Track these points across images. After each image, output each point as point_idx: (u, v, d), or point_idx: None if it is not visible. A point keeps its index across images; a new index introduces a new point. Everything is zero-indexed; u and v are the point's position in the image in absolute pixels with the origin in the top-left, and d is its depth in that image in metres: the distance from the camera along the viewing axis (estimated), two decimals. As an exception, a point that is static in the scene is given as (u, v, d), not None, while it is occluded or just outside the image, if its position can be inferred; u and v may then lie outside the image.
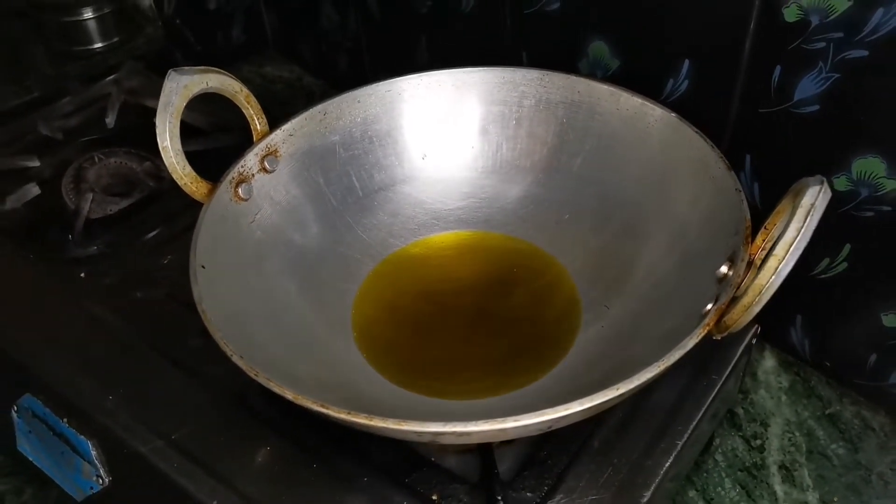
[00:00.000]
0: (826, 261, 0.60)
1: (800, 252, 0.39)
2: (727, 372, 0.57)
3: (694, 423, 0.54)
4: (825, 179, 0.40)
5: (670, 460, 0.51)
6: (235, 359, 0.43)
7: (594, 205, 0.61)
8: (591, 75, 0.65)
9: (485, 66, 0.63)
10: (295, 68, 1.03)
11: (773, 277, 0.39)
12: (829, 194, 0.40)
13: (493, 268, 0.62)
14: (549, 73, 0.62)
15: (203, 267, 0.49)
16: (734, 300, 0.43)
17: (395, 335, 0.57)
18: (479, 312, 0.59)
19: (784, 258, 0.39)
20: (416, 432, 0.39)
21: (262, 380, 0.42)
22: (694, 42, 0.59)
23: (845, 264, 0.59)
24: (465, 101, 0.64)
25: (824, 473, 0.61)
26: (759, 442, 0.64)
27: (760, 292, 0.40)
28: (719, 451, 0.63)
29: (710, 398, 0.55)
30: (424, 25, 0.79)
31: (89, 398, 0.55)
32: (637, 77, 0.63)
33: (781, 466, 0.62)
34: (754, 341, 0.59)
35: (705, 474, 0.62)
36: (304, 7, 0.94)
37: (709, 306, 0.45)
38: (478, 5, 0.72)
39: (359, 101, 0.62)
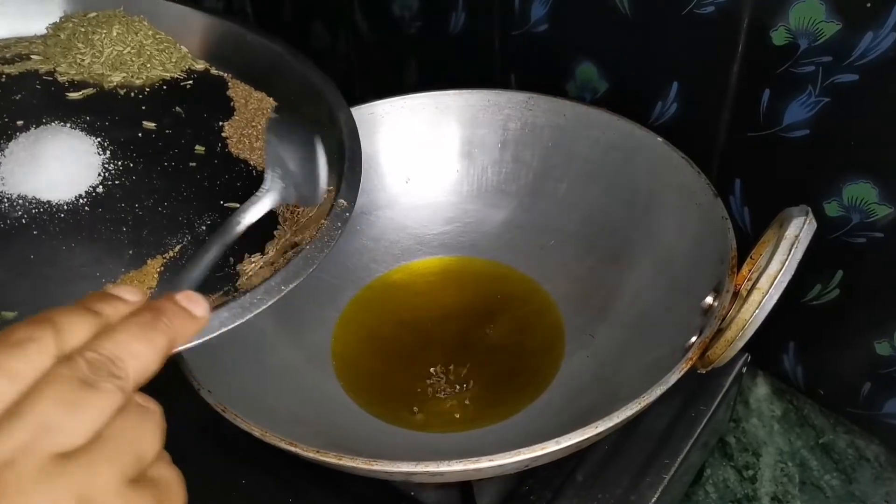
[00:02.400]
0: (818, 287, 0.58)
1: (784, 285, 0.38)
2: (717, 402, 0.56)
3: (682, 455, 0.53)
4: (809, 210, 0.39)
5: (657, 494, 0.50)
6: (203, 393, 0.42)
7: (579, 231, 0.60)
8: (578, 98, 0.64)
9: (469, 89, 0.62)
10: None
11: (757, 311, 0.38)
12: (814, 225, 0.39)
13: (476, 294, 0.61)
14: (535, 95, 0.61)
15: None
16: (718, 333, 0.42)
17: (376, 365, 0.56)
18: (462, 341, 0.58)
19: (768, 291, 0.38)
20: (387, 472, 0.38)
21: (229, 416, 0.40)
22: (682, 65, 0.58)
23: (837, 291, 0.58)
24: (449, 123, 0.63)
25: (817, 505, 0.60)
26: (750, 472, 0.62)
27: (744, 326, 0.39)
28: (710, 481, 0.62)
29: (699, 429, 0.54)
30: (413, 47, 0.78)
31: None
32: (625, 100, 0.62)
33: (774, 498, 0.61)
34: (744, 370, 0.58)
35: (696, 506, 0.61)
36: (295, 27, 0.94)
37: (693, 339, 0.43)
38: (466, 27, 0.71)
39: (341, 124, 0.61)
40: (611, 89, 0.63)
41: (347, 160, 0.48)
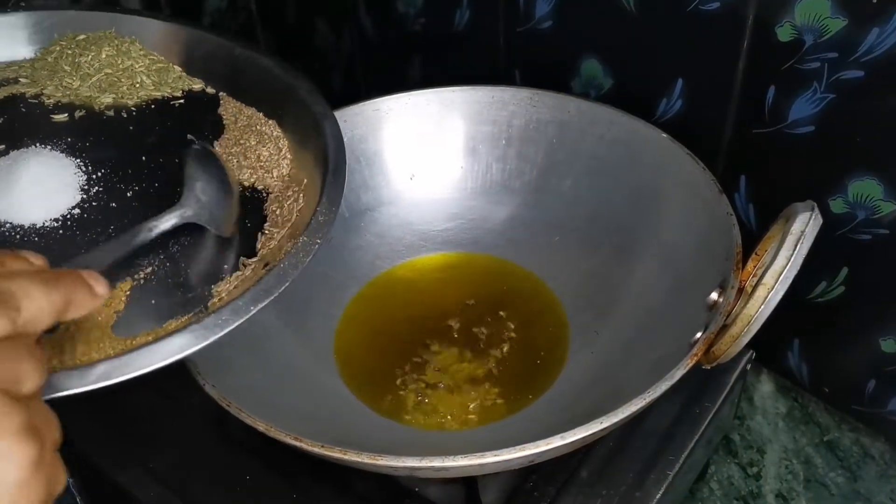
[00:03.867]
0: (823, 284, 0.58)
1: (790, 280, 0.38)
2: (721, 399, 0.56)
3: (686, 451, 0.52)
4: (815, 205, 0.39)
5: (661, 491, 0.50)
6: (208, 388, 0.42)
7: (584, 227, 0.60)
8: (582, 94, 0.64)
9: (474, 85, 0.62)
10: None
11: (763, 307, 0.38)
12: (819, 220, 0.39)
13: (481, 291, 0.61)
14: (539, 91, 0.61)
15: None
16: (723, 329, 0.42)
17: (380, 362, 0.56)
18: (467, 338, 0.58)
19: (773, 287, 0.38)
20: (391, 467, 0.38)
21: (234, 410, 0.40)
22: (687, 61, 0.58)
23: (842, 288, 0.57)
24: (454, 120, 0.63)
25: (822, 503, 0.59)
26: (755, 469, 0.62)
27: (749, 322, 0.39)
28: (714, 478, 0.62)
29: (704, 426, 0.54)
30: (418, 44, 0.78)
31: (65, 425, 0.54)
32: (630, 96, 0.62)
33: (778, 495, 0.61)
34: (749, 367, 0.58)
35: (700, 503, 0.60)
36: (299, 25, 0.93)
37: (698, 335, 0.43)
38: (471, 24, 0.71)
39: (345, 121, 0.61)
40: (615, 86, 0.63)
41: (330, 173, 0.46)
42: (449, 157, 0.64)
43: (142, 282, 0.43)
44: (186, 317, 0.41)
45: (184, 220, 0.45)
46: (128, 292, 0.42)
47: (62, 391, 0.34)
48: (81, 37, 0.57)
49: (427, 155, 0.64)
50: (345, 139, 0.60)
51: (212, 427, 0.53)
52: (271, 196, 0.49)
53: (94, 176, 0.49)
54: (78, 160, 0.49)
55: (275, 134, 0.52)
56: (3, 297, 0.27)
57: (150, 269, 0.43)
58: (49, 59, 0.56)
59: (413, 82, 0.81)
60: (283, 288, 0.40)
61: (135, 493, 0.50)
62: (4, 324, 0.27)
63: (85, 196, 0.47)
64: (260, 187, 0.50)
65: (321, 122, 0.50)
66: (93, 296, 0.31)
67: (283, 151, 0.51)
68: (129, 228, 0.44)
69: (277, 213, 0.48)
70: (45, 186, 0.47)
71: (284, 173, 0.50)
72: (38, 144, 0.49)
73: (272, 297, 0.39)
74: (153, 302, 0.42)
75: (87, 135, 0.51)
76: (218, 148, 0.52)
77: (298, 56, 0.98)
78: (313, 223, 0.43)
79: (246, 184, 0.50)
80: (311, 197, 0.46)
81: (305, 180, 0.48)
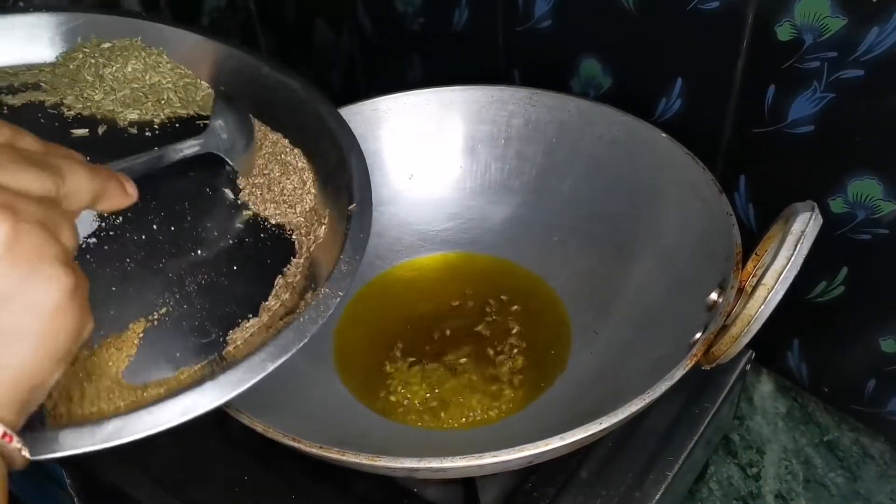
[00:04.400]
0: (823, 284, 0.58)
1: (790, 281, 0.38)
2: (720, 399, 0.55)
3: (686, 452, 0.52)
4: (816, 205, 0.39)
5: (661, 491, 0.50)
6: (206, 389, 0.41)
7: (584, 227, 0.60)
8: (581, 94, 0.64)
9: (473, 85, 0.62)
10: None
11: (763, 307, 0.38)
12: (819, 220, 0.38)
13: (480, 291, 0.60)
14: (538, 91, 0.61)
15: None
16: (723, 329, 0.41)
17: (378, 362, 0.56)
18: (466, 338, 0.57)
19: (773, 287, 0.38)
20: (390, 467, 0.38)
21: (232, 411, 0.40)
22: (686, 61, 0.57)
23: (842, 288, 0.57)
24: (453, 119, 0.63)
25: (822, 503, 0.59)
26: (755, 470, 0.62)
27: (749, 322, 0.39)
28: (714, 479, 0.62)
29: (703, 426, 0.54)
30: (417, 43, 0.78)
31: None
32: (629, 96, 0.62)
33: (778, 496, 0.60)
34: (748, 367, 0.58)
35: (699, 503, 0.60)
36: (299, 25, 0.93)
37: (697, 335, 0.43)
38: (470, 23, 0.71)
39: (344, 121, 0.61)
40: (615, 85, 0.63)
41: (355, 218, 0.44)
42: (448, 156, 0.64)
43: (155, 323, 0.40)
44: (199, 365, 0.39)
45: (204, 150, 0.45)
46: (141, 335, 0.40)
47: (70, 450, 0.34)
48: (106, 45, 0.54)
49: (426, 154, 0.64)
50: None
51: (210, 427, 0.53)
52: (294, 234, 0.47)
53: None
54: None
55: (300, 165, 0.49)
56: (51, 167, 0.31)
57: (164, 310, 0.41)
58: (71, 67, 0.53)
59: (412, 82, 0.81)
60: (301, 344, 0.38)
61: (132, 493, 0.50)
62: (49, 185, 0.30)
63: (102, 223, 0.43)
64: (283, 222, 0.47)
65: (347, 155, 0.48)
66: (125, 195, 0.35)
67: (308, 185, 0.49)
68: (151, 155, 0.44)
69: (299, 253, 0.46)
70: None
71: (307, 208, 0.48)
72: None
73: (289, 355, 0.38)
74: (166, 346, 0.40)
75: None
76: (241, 179, 0.49)
77: (297, 56, 0.98)
78: (336, 273, 0.41)
79: (270, 221, 0.47)
80: (334, 238, 0.44)
81: (327, 218, 0.46)
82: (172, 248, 0.43)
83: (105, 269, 0.41)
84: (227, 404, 0.37)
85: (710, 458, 0.62)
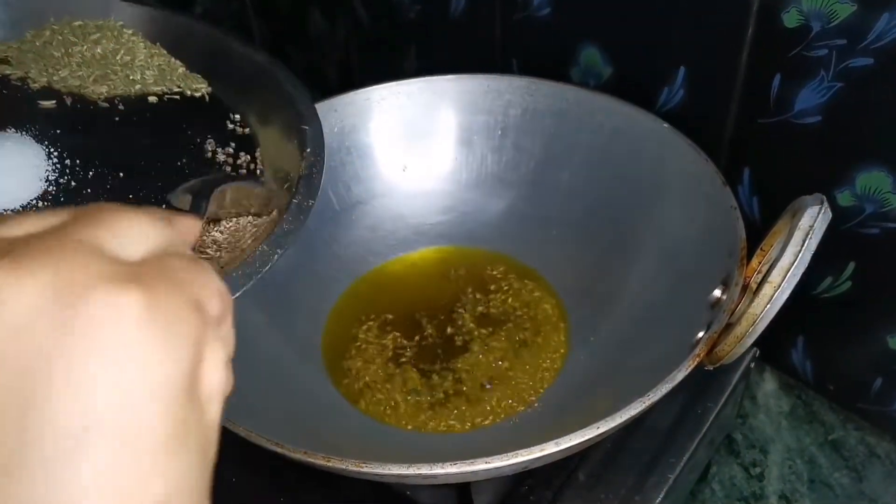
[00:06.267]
0: (829, 280, 0.57)
1: (797, 278, 0.37)
2: (724, 398, 0.54)
3: (688, 454, 0.51)
4: (824, 198, 0.37)
5: (662, 494, 0.49)
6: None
7: (582, 221, 0.59)
8: (581, 84, 0.62)
9: (468, 74, 0.60)
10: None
11: (769, 306, 0.37)
12: (828, 215, 0.37)
13: (476, 287, 0.59)
14: (536, 80, 0.60)
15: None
16: (727, 328, 0.40)
17: (370, 362, 0.55)
18: (461, 336, 0.56)
19: (780, 285, 0.36)
20: (378, 474, 0.36)
21: (214, 414, 0.39)
22: (690, 49, 0.56)
23: (849, 283, 0.56)
24: (448, 110, 0.62)
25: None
26: (758, 470, 0.61)
27: (754, 322, 0.37)
28: (716, 479, 0.60)
29: (706, 426, 0.53)
30: (413, 32, 0.77)
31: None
32: (630, 86, 0.61)
33: (781, 496, 0.59)
34: (752, 365, 0.57)
35: (701, 504, 0.59)
36: (293, 15, 0.92)
37: (700, 334, 0.42)
38: (466, 11, 0.70)
39: (335, 111, 0.59)
40: (615, 75, 0.62)
41: (303, 185, 0.45)
42: (443, 148, 0.63)
43: None
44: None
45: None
46: None
47: None
48: (77, 23, 0.55)
49: (420, 146, 0.62)
50: (335, 129, 0.58)
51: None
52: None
53: (64, 165, 0.47)
54: (51, 149, 0.47)
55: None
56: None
57: None
58: (38, 43, 0.54)
59: (408, 72, 0.80)
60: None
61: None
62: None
63: (50, 186, 0.45)
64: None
65: (306, 125, 0.49)
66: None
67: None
68: None
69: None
70: (10, 173, 0.45)
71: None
72: (10, 129, 0.48)
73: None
74: None
75: (68, 124, 0.49)
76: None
77: (292, 45, 0.97)
78: (278, 231, 0.42)
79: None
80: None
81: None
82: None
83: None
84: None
85: (713, 457, 0.61)
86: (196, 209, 0.41)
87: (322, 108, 0.59)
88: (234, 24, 1.00)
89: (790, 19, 0.49)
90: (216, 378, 0.22)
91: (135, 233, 0.22)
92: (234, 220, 0.46)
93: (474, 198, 0.62)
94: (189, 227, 0.26)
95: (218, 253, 0.44)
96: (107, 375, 0.19)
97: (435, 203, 0.63)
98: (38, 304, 0.18)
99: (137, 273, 0.20)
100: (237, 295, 0.38)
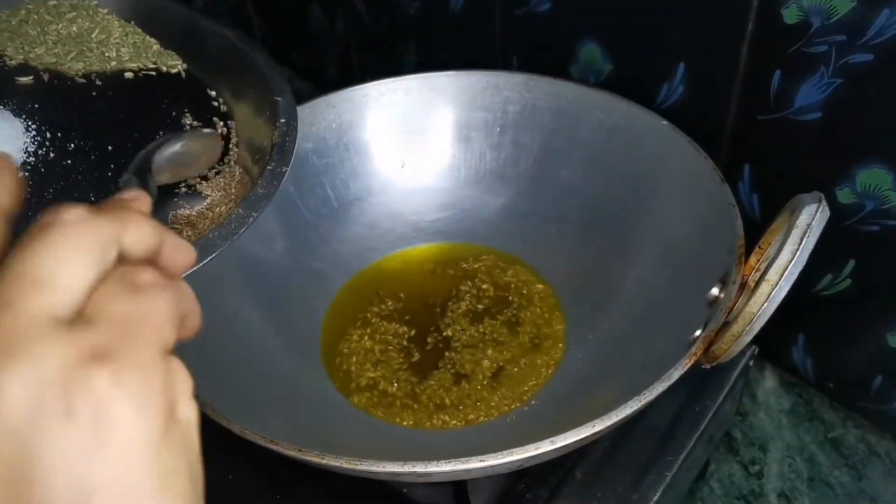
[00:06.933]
0: (829, 277, 0.57)
1: (795, 276, 0.36)
2: (722, 396, 0.54)
3: (685, 452, 0.51)
4: (822, 196, 0.37)
5: (659, 493, 0.49)
6: (182, 387, 0.40)
7: (581, 218, 0.58)
8: (580, 80, 0.62)
9: (467, 70, 0.60)
10: (285, 72, 1.01)
11: (766, 304, 0.36)
12: (827, 213, 0.37)
13: (473, 284, 0.59)
14: (535, 77, 0.59)
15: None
16: (724, 326, 0.40)
17: (366, 358, 0.55)
18: (458, 332, 0.56)
19: (777, 283, 0.36)
20: (372, 472, 0.36)
21: (208, 411, 0.39)
22: (689, 45, 0.56)
23: (849, 281, 0.56)
24: (446, 106, 0.61)
25: (826, 502, 0.58)
26: (757, 468, 0.61)
27: (751, 320, 0.37)
28: (715, 477, 0.60)
29: (704, 425, 0.53)
30: (413, 28, 0.77)
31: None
32: (630, 82, 0.60)
33: (781, 494, 0.59)
34: (752, 363, 0.56)
35: (700, 502, 0.59)
36: (293, 10, 0.92)
37: (697, 332, 0.42)
38: (466, 8, 0.69)
39: (333, 107, 0.59)
40: (615, 71, 0.61)
41: (277, 153, 0.45)
42: (441, 144, 0.62)
43: None
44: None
45: None
46: None
47: None
48: (52, 2, 0.55)
49: (418, 143, 0.62)
50: (333, 126, 0.58)
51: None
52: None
53: (43, 137, 0.47)
54: (29, 122, 0.48)
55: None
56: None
57: None
58: (13, 22, 0.54)
59: (409, 68, 0.79)
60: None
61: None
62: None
63: (28, 156, 0.45)
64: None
65: (278, 97, 0.50)
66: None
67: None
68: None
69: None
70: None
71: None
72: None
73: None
74: None
75: (43, 99, 0.49)
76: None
77: (292, 42, 0.97)
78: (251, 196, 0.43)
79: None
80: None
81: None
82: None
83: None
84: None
85: (712, 455, 0.61)
86: (144, 185, 0.42)
87: (320, 104, 0.59)
88: (233, 20, 1.00)
89: (790, 15, 0.49)
90: (191, 413, 0.23)
91: (68, 279, 0.22)
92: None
93: (472, 195, 0.62)
94: (140, 206, 0.26)
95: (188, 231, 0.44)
96: (93, 453, 0.20)
97: (433, 200, 0.62)
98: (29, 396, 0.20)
99: (92, 342, 0.21)
100: (213, 256, 0.39)
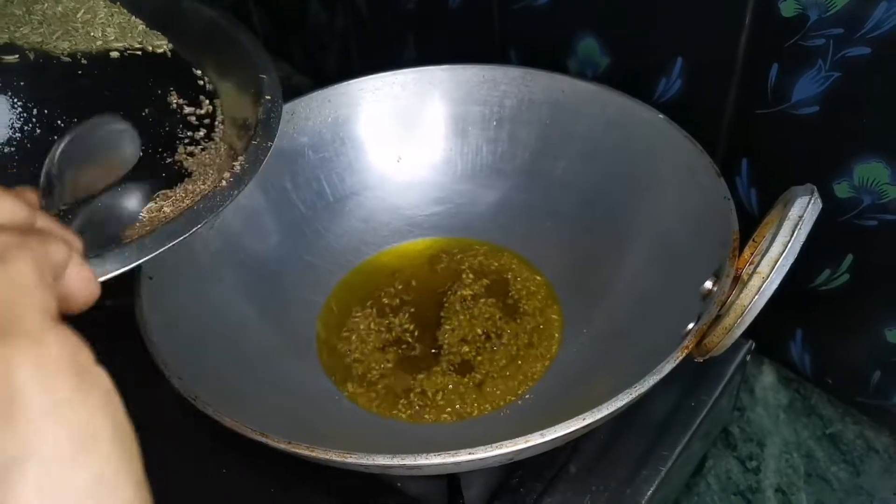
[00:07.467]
0: (827, 272, 0.56)
1: (787, 269, 0.36)
2: (718, 391, 0.54)
3: (681, 446, 0.51)
4: (815, 189, 0.37)
5: (653, 488, 0.48)
6: (174, 381, 0.40)
7: (577, 212, 0.58)
8: (577, 74, 0.62)
9: (463, 64, 0.60)
10: (284, 66, 1.01)
11: (757, 297, 0.36)
12: (819, 205, 0.37)
13: (469, 278, 0.59)
14: (531, 70, 0.59)
15: (151, 278, 0.46)
16: (717, 319, 0.40)
17: (361, 352, 0.55)
18: (454, 327, 0.56)
19: (768, 276, 0.36)
20: (362, 465, 0.36)
21: (199, 404, 0.39)
22: (687, 39, 0.56)
23: (847, 276, 0.56)
24: (443, 100, 0.61)
25: (824, 498, 0.58)
26: (754, 463, 0.60)
27: (742, 313, 0.37)
28: (712, 472, 0.60)
29: (700, 419, 0.52)
30: (412, 22, 0.77)
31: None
32: (628, 76, 0.60)
33: (778, 490, 0.59)
34: (748, 358, 0.56)
35: (696, 497, 0.59)
36: (292, 4, 0.92)
37: (690, 326, 0.41)
38: (465, 1, 0.69)
39: (329, 101, 0.59)
40: (613, 65, 0.61)
41: (261, 129, 0.46)
42: (437, 138, 0.62)
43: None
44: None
45: None
46: None
47: None
48: None
49: (414, 136, 0.62)
50: (329, 120, 0.58)
51: (186, 418, 0.51)
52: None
53: (29, 114, 0.48)
54: (16, 99, 0.48)
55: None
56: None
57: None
58: None
59: (406, 62, 0.79)
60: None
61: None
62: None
63: (13, 132, 0.46)
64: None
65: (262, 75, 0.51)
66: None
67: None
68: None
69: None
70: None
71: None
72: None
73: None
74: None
75: (31, 78, 0.50)
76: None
77: (292, 36, 0.97)
78: (235, 170, 0.44)
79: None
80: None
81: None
82: None
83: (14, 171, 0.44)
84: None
85: (709, 451, 0.61)
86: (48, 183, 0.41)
87: (316, 98, 0.59)
88: (233, 14, 1.00)
89: (787, 8, 0.49)
90: (102, 374, 0.24)
91: None
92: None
93: (469, 189, 0.62)
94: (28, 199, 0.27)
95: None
96: (3, 427, 0.21)
97: (429, 194, 0.62)
98: None
99: None
100: (198, 228, 0.40)
